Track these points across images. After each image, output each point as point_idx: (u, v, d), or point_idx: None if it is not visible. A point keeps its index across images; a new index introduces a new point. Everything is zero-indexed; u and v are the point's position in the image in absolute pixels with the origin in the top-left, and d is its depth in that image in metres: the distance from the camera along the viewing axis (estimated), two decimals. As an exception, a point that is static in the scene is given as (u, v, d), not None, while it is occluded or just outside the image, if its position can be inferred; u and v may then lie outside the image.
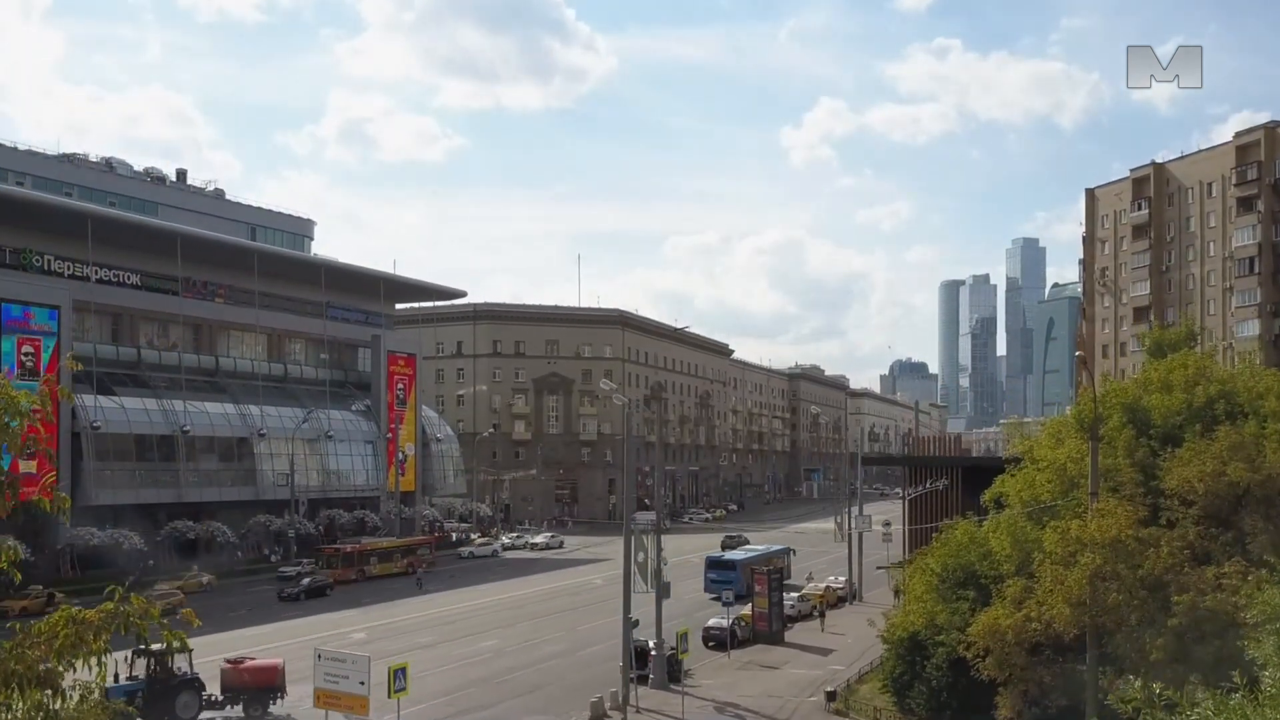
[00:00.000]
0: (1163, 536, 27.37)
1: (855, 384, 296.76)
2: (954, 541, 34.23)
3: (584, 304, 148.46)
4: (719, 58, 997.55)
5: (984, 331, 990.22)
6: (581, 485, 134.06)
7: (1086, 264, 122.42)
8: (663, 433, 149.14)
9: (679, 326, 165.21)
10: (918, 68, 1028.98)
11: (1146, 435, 31.83)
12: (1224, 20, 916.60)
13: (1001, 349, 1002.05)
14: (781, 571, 49.78)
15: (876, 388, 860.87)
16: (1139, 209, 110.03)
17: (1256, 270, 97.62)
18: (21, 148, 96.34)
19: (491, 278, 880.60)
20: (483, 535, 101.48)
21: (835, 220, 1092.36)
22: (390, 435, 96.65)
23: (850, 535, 64.83)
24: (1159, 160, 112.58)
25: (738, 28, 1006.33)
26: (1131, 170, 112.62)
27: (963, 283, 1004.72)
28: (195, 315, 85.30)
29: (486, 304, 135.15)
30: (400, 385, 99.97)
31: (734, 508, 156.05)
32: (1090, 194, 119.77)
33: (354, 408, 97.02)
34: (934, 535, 36.23)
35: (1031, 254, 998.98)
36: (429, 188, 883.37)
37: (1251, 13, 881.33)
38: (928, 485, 49.01)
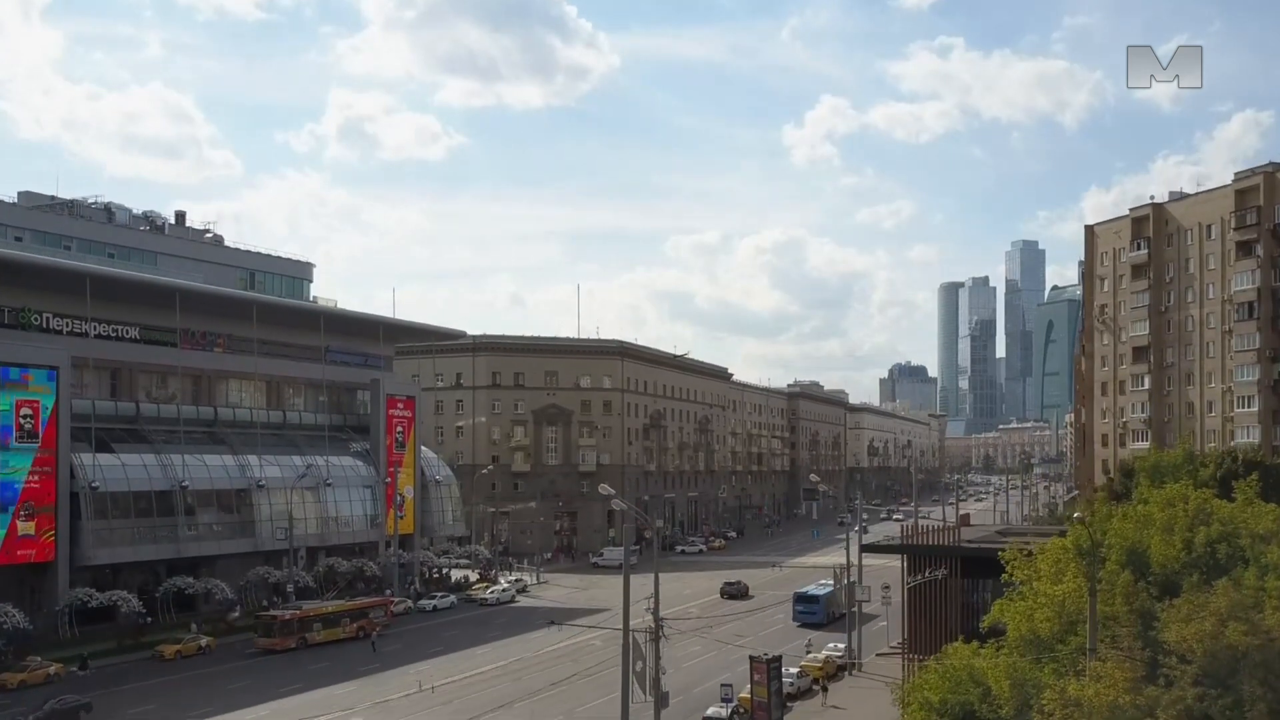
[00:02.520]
0: (1161, 699, 27.36)
1: (856, 385, 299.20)
2: (952, 673, 34.17)
3: (584, 334, 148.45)
4: (721, 56, 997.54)
5: (983, 333, 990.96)
6: (581, 517, 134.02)
7: (1086, 300, 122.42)
8: (662, 461, 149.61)
9: (679, 354, 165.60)
10: (920, 66, 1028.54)
11: (1146, 579, 31.78)
12: (1227, 18, 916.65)
13: (1001, 351, 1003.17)
14: (780, 658, 49.61)
15: (876, 390, 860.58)
16: (1138, 249, 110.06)
17: (1256, 315, 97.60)
18: (20, 194, 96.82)
19: (493, 276, 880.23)
20: (482, 578, 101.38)
21: (836, 219, 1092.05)
22: (389, 480, 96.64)
23: (850, 604, 64.85)
24: (1158, 200, 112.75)
25: (740, 26, 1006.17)
26: (1131, 209, 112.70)
27: (962, 285, 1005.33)
28: (194, 366, 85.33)
29: (486, 336, 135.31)
30: (400, 428, 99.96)
31: (733, 535, 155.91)
32: (1090, 230, 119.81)
33: (353, 448, 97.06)
34: (932, 657, 36.13)
35: (1031, 256, 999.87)
36: (429, 187, 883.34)
37: (1255, 11, 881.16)
38: (926, 574, 49.00)
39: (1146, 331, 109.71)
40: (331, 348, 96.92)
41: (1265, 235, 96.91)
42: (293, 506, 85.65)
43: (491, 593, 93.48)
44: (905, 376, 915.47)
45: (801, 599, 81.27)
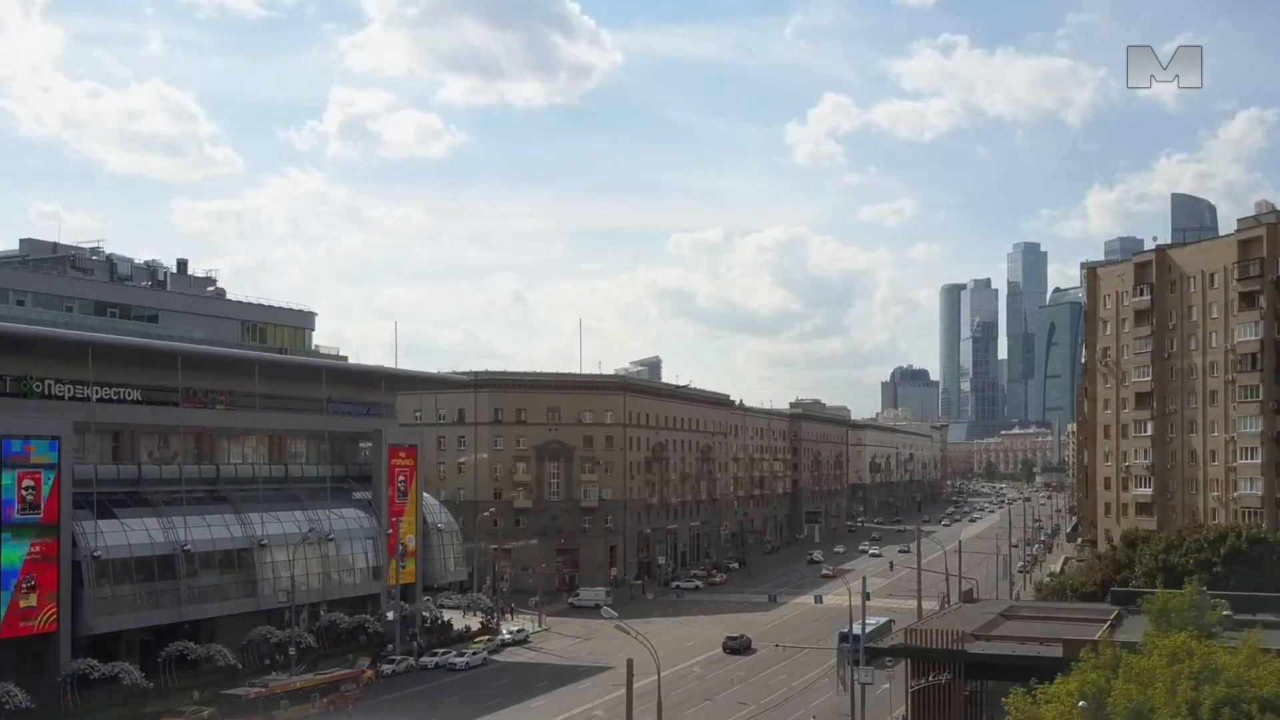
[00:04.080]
0: None
1: (858, 385, 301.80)
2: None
3: (586, 369, 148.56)
4: (724, 53, 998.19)
5: (985, 335, 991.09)
6: (583, 554, 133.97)
7: (1088, 343, 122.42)
8: (664, 493, 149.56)
9: (681, 384, 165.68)
10: (924, 64, 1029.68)
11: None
12: (1232, 16, 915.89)
13: (1003, 353, 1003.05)
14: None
15: (879, 394, 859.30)
16: (1141, 294, 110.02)
17: (1259, 367, 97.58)
18: (21, 242, 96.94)
19: (496, 275, 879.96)
20: (484, 628, 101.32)
21: (839, 217, 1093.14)
22: (391, 531, 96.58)
23: (852, 688, 64.72)
24: (1160, 244, 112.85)
25: (743, 23, 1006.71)
26: (1134, 254, 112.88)
27: (964, 286, 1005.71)
28: (196, 424, 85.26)
29: (488, 372, 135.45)
30: (402, 477, 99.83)
31: (735, 565, 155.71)
32: (1092, 272, 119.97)
33: (355, 498, 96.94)
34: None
35: (1033, 258, 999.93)
36: (432, 185, 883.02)
37: (1259, 8, 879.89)
38: (930, 679, 49.00)
39: (1149, 378, 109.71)
40: (333, 398, 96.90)
41: (1268, 287, 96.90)
42: (295, 564, 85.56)
43: (463, 655, 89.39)
44: (907, 380, 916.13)
45: (845, 638, 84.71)
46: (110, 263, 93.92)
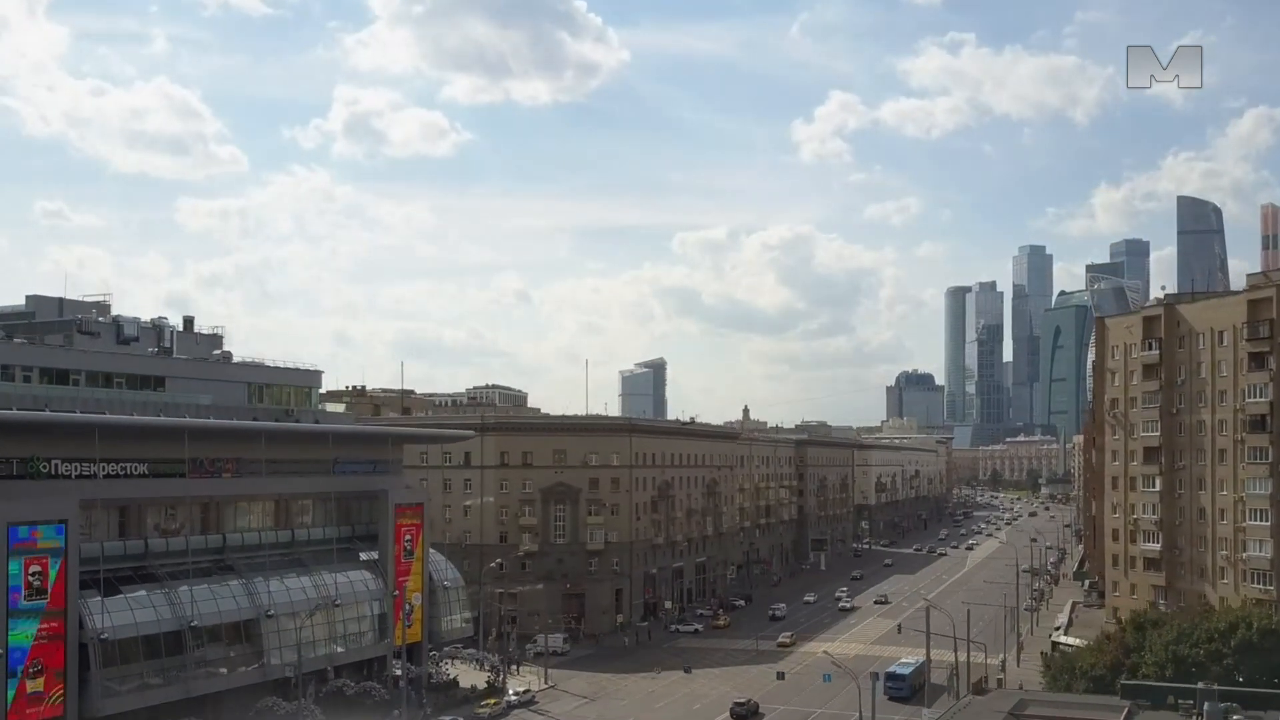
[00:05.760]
0: None
1: (863, 384, 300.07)
2: None
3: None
4: (731, 51, 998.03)
5: (990, 338, 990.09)
6: (589, 598, 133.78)
7: (1096, 394, 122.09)
8: (669, 531, 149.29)
9: (687, 421, 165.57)
10: (931, 62, 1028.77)
11: None
12: (1240, 13, 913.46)
13: (1008, 355, 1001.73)
14: None
15: (884, 401, 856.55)
16: (1150, 349, 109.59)
17: (1268, 429, 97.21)
18: (27, 298, 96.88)
19: (501, 273, 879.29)
20: (489, 688, 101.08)
21: (845, 215, 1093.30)
22: (398, 593, 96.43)
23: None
24: (1168, 296, 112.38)
25: (750, 21, 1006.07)
26: (1143, 306, 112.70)
27: (969, 289, 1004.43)
28: (203, 494, 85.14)
29: (495, 417, 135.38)
30: (408, 536, 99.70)
31: (741, 603, 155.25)
32: (1100, 323, 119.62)
33: (362, 558, 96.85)
34: None
35: (1038, 261, 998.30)
36: (437, 183, 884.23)
37: (1268, 6, 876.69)
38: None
39: (1158, 433, 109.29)
40: (340, 458, 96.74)
41: (1278, 349, 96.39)
42: (301, 632, 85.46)
43: None
44: (912, 385, 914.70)
45: (891, 676, 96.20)
46: (117, 325, 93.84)
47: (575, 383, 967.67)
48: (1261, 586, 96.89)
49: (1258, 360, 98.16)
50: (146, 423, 78.66)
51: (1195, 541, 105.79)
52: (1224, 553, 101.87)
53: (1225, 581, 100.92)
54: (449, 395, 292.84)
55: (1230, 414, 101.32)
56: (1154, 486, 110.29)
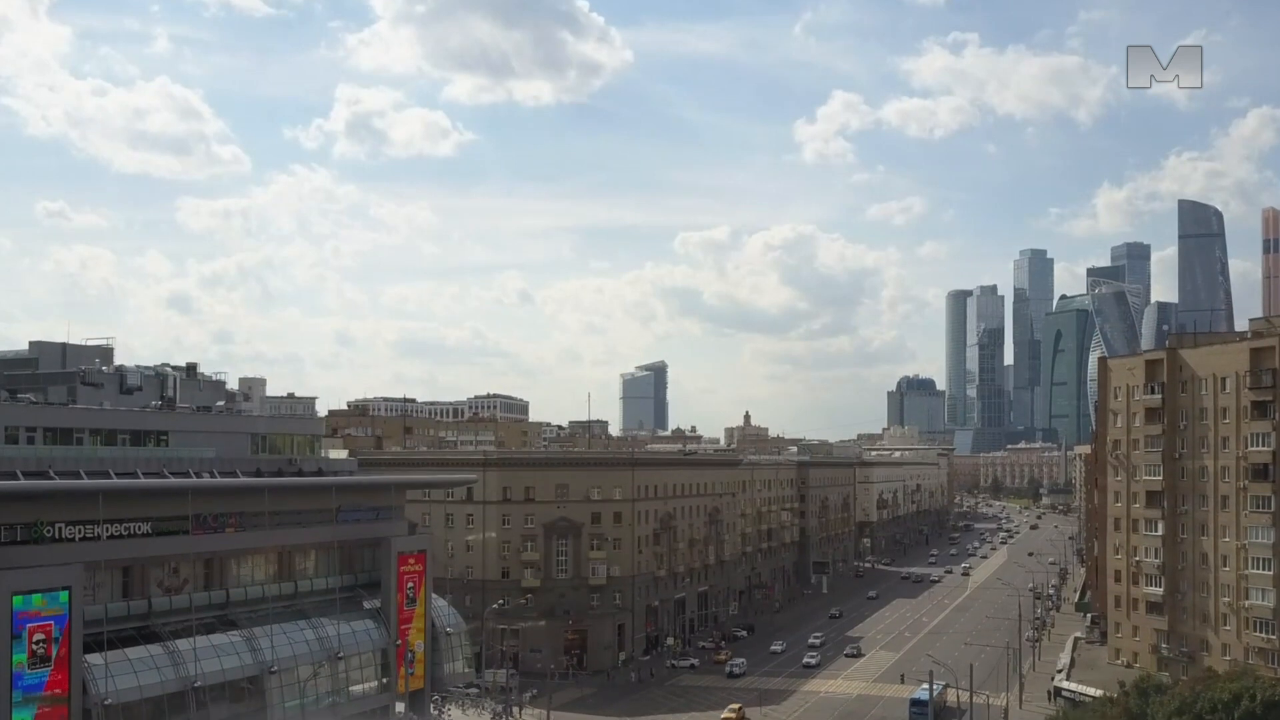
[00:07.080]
0: None
1: (864, 386, 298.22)
2: None
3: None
4: (733, 51, 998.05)
5: (991, 342, 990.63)
6: (591, 634, 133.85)
7: (1099, 435, 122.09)
8: (671, 562, 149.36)
9: (689, 432, 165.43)
10: (934, 62, 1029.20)
11: None
12: (1244, 13, 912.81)
13: (1009, 359, 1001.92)
14: None
15: (884, 401, 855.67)
16: (1152, 392, 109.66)
17: (1270, 478, 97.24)
18: (30, 344, 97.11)
19: (503, 273, 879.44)
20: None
21: (847, 215, 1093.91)
22: (400, 642, 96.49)
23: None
24: (1170, 338, 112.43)
25: (753, 21, 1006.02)
26: (1145, 350, 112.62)
27: (970, 293, 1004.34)
28: (207, 550, 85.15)
29: (497, 452, 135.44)
30: (410, 584, 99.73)
31: (742, 634, 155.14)
32: (1103, 363, 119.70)
33: (365, 607, 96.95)
34: None
35: (1039, 264, 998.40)
36: (439, 183, 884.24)
37: (1273, 5, 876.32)
38: None
39: (1160, 476, 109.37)
40: (343, 506, 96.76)
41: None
42: (304, 687, 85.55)
43: None
44: (913, 390, 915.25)
45: (915, 703, 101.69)
46: (120, 374, 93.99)
47: (577, 382, 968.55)
48: (1264, 635, 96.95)
49: (1260, 409, 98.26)
50: (151, 485, 78.70)
51: (1198, 587, 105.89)
52: (1226, 599, 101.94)
53: (1228, 629, 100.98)
54: (450, 404, 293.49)
55: (1233, 461, 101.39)
56: (1156, 530, 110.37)
